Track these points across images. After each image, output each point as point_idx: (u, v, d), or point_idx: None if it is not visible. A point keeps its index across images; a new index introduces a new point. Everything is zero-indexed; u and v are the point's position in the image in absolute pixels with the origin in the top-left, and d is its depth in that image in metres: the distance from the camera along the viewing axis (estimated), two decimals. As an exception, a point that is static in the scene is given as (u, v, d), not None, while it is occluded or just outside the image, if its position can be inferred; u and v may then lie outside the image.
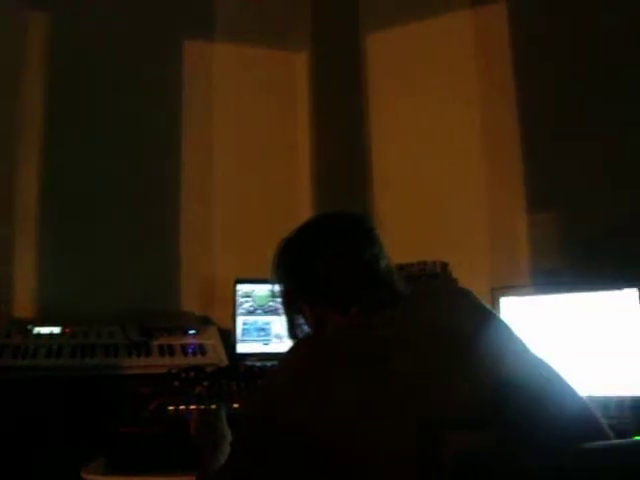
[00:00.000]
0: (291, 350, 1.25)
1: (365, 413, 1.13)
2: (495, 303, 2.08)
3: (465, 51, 2.74)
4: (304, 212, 2.95)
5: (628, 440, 1.57)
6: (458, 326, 1.26)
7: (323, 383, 1.15)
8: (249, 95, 2.99)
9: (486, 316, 1.30)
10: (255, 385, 1.95)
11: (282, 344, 2.56)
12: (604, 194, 2.38)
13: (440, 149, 2.73)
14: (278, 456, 1.15)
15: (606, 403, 1.93)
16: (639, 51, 2.38)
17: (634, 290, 2.03)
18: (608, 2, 2.46)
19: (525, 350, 1.27)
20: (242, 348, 2.56)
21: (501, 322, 1.31)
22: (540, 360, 1.27)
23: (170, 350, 2.41)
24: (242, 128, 2.94)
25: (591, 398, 1.91)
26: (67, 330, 2.42)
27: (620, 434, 1.86)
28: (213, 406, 1.76)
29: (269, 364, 2.29)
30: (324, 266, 1.34)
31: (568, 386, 1.25)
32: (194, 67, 2.92)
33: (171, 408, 1.82)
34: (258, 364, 2.34)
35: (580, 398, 1.25)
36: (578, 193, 2.44)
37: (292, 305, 1.41)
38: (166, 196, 2.81)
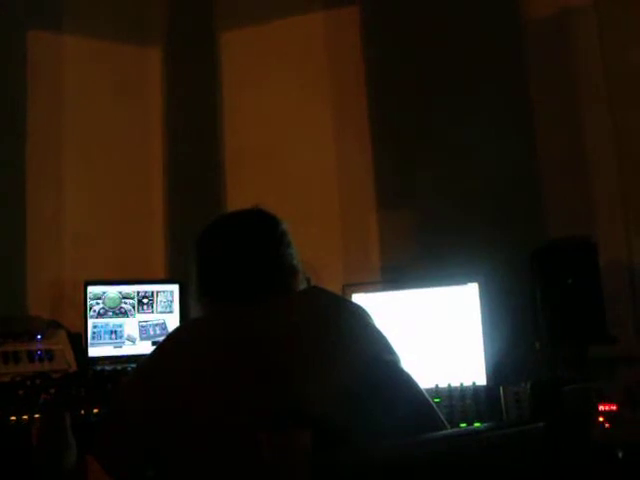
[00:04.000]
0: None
1: (212, 402, 1.21)
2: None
3: (317, 50, 2.79)
4: (157, 211, 2.91)
5: (459, 429, 1.68)
6: (318, 329, 1.30)
7: (170, 373, 1.27)
8: (100, 90, 2.88)
9: (349, 321, 1.33)
10: (105, 389, 1.90)
11: (134, 346, 2.51)
12: (449, 194, 2.50)
13: (292, 147, 2.77)
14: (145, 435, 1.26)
15: (450, 392, 2.04)
16: (482, 56, 2.53)
17: (475, 285, 2.16)
18: (457, 8, 2.59)
19: (379, 351, 1.31)
20: (93, 352, 2.48)
21: (362, 324, 1.34)
22: (389, 360, 1.31)
23: (15, 357, 2.30)
24: (92, 124, 2.83)
25: (437, 388, 2.04)
26: None
27: (463, 420, 2.00)
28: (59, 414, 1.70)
29: (120, 367, 2.24)
30: (214, 260, 1.42)
31: (413, 383, 1.31)
32: (39, 60, 2.77)
33: (13, 419, 1.74)
34: (108, 368, 2.29)
35: (421, 395, 1.31)
36: (425, 192, 2.55)
37: (193, 293, 1.48)
38: (10, 197, 2.66)
